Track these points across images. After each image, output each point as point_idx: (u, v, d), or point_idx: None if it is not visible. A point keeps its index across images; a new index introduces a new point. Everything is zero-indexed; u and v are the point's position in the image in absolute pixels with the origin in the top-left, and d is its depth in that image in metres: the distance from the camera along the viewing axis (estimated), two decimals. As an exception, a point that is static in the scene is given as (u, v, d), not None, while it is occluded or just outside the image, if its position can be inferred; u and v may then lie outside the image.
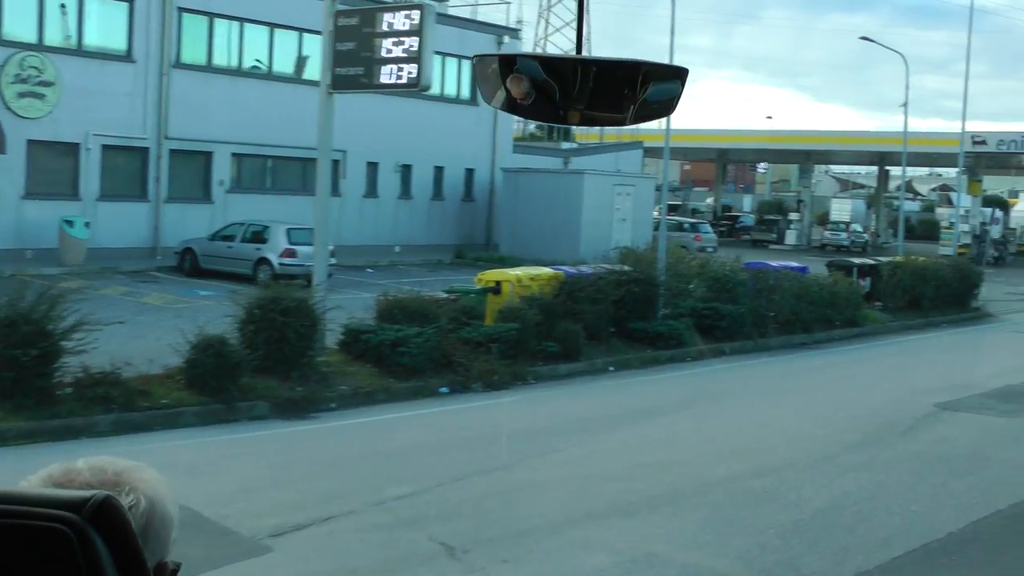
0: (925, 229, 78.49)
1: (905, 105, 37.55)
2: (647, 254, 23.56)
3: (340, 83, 18.31)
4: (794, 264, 26.02)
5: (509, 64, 2.33)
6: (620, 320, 20.50)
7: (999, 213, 77.70)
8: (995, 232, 64.31)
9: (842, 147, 59.20)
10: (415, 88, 18.00)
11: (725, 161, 74.06)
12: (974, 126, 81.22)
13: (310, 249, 29.02)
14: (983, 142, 49.65)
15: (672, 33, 22.55)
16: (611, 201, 36.47)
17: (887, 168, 67.11)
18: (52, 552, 1.35)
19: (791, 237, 58.15)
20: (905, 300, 27.35)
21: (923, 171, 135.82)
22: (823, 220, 71.48)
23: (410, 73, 17.58)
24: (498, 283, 20.24)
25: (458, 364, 17.35)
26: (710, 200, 74.79)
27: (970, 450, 13.45)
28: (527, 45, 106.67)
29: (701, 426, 14.72)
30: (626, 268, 21.41)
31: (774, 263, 25.66)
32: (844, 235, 58.56)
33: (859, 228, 61.25)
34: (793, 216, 59.76)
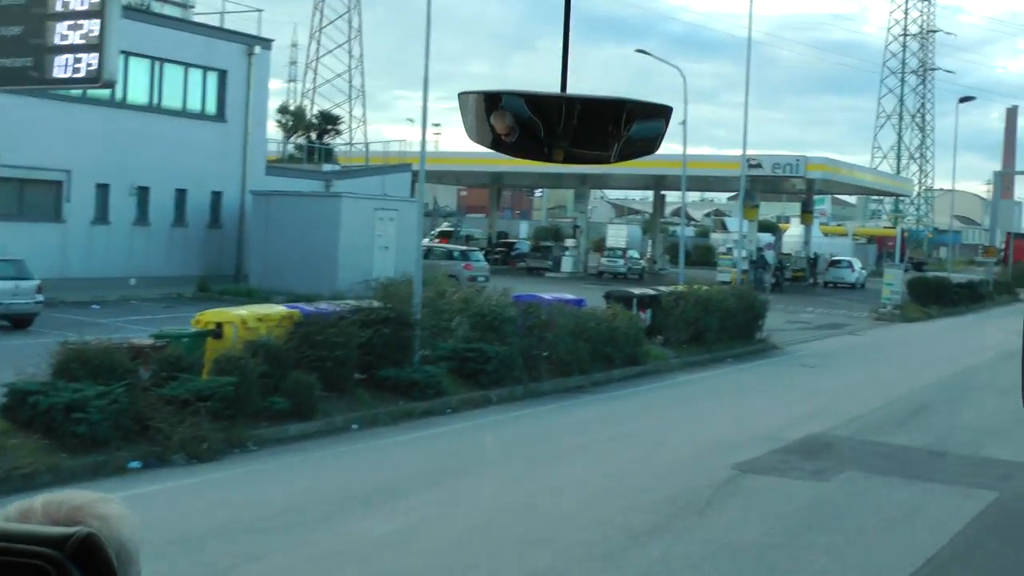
0: (700, 255, 78.53)
1: (684, 123, 35.86)
2: (403, 287, 20.38)
3: (3, 78, 14.42)
4: (569, 296, 23.42)
5: (493, 100, 2.35)
6: (369, 367, 17.31)
7: (772, 238, 78.73)
8: (771, 257, 64.38)
9: (618, 171, 57.75)
10: (96, 84, 14.20)
11: (500, 186, 72.03)
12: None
13: (11, 284, 24.79)
14: (758, 165, 48.94)
15: (427, 60, 19.42)
16: (372, 227, 33.15)
17: (663, 193, 66.36)
18: None
19: (567, 264, 56.28)
20: (689, 333, 25.17)
21: (695, 197, 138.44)
22: (600, 247, 70.36)
23: (89, 65, 13.83)
24: (219, 325, 16.70)
25: (156, 430, 13.76)
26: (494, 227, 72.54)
27: (781, 537, 10.82)
28: (299, 68, 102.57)
29: (450, 511, 11.57)
30: (375, 305, 18.22)
31: (547, 295, 22.99)
32: (621, 262, 57.11)
33: (636, 254, 60.05)
34: (569, 243, 57.92)
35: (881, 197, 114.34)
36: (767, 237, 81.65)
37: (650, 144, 2.54)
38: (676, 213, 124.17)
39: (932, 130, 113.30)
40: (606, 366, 21.42)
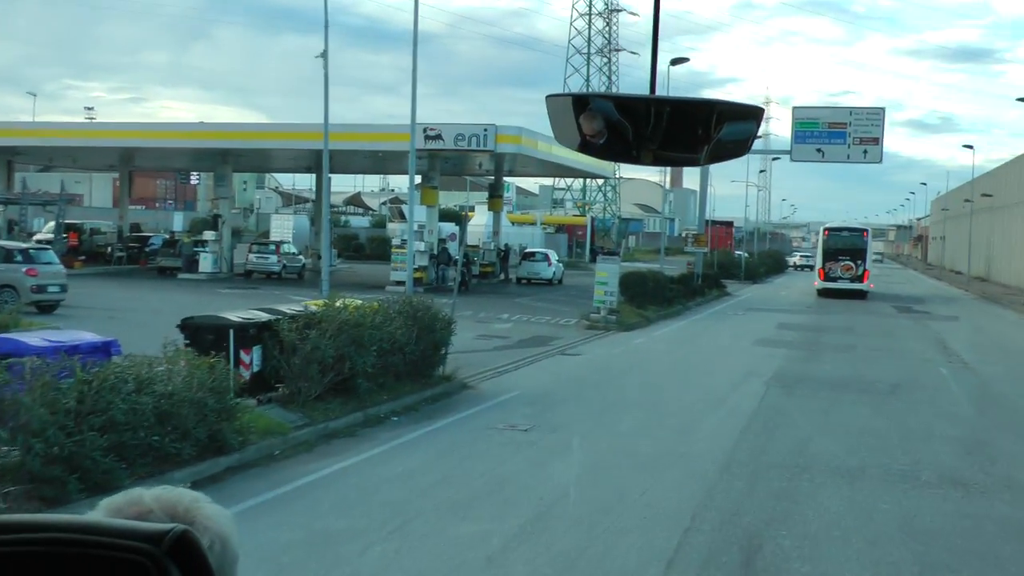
0: (377, 248, 68.79)
1: (322, 55, 25.93)
2: None
3: None
4: (87, 338, 12.91)
5: (582, 103, 2.38)
6: None
7: (456, 228, 70.00)
8: (455, 250, 55.36)
9: (271, 144, 46.90)
10: None
11: (133, 169, 59.56)
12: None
13: None
14: (438, 136, 39.59)
15: None
16: None
17: (330, 176, 56.04)
18: None
19: (206, 263, 45.00)
20: (326, 382, 15.16)
21: (375, 183, 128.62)
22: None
23: None
24: None
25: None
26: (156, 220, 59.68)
27: None
28: None
29: None
30: None
31: (38, 340, 12.38)
32: (274, 258, 46.48)
33: (293, 249, 49.53)
34: (209, 236, 46.60)
35: (566, 186, 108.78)
36: (450, 227, 73.23)
37: (741, 146, 2.54)
38: (352, 201, 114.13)
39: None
40: (161, 463, 11.09)
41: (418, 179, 40.80)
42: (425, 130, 40.02)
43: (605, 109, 2.35)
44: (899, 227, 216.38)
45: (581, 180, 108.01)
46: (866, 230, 64.06)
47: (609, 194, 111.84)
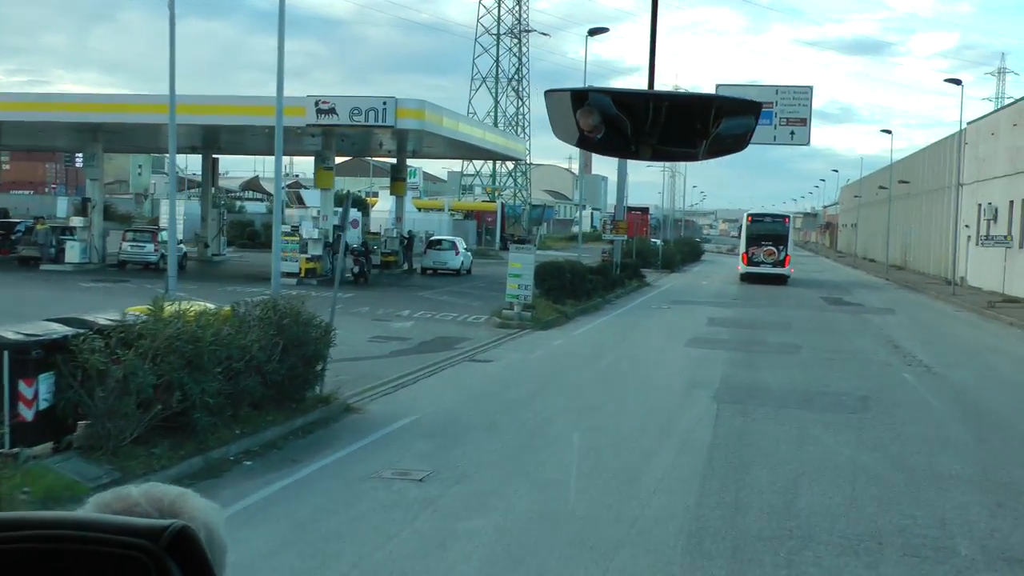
0: (271, 236, 64.28)
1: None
2: None
3: None
4: None
5: (580, 98, 2.34)
6: None
7: (358, 214, 65.71)
8: (355, 239, 51.23)
9: (150, 118, 42.10)
10: None
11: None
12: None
13: None
14: (332, 111, 35.43)
15: None
16: None
17: (216, 157, 51.56)
18: None
19: (73, 253, 40.23)
20: (147, 420, 11.16)
21: (273, 164, 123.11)
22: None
23: None
24: None
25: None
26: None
27: None
28: None
29: None
30: None
31: None
32: (151, 247, 41.83)
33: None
34: (77, 222, 41.77)
35: (475, 170, 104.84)
36: (353, 213, 68.87)
37: (739, 140, 2.52)
38: (250, 185, 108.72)
39: (528, 97, 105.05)
40: None
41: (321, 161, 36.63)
42: (317, 103, 35.85)
43: (603, 104, 2.32)
44: (805, 215, 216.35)
45: (491, 165, 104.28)
46: (787, 216, 64.39)
47: (519, 179, 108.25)
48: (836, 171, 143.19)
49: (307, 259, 38.89)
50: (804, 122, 48.59)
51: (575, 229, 54.75)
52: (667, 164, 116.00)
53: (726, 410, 16.59)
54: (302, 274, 38.13)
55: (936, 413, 17.52)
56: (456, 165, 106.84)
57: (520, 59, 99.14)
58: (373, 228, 55.48)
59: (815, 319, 35.14)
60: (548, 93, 2.45)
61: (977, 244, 53.59)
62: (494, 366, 21.35)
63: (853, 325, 33.61)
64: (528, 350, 24.01)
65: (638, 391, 18.64)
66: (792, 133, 48.66)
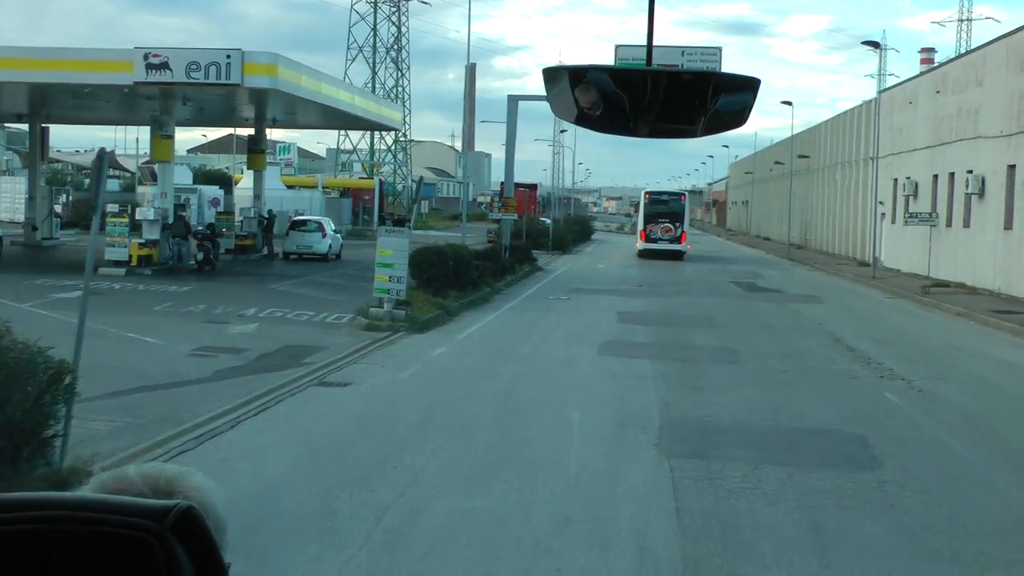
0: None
1: None
2: None
3: None
4: None
5: (579, 75, 2.35)
6: None
7: (218, 191, 59.13)
8: (209, 219, 45.02)
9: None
10: None
11: None
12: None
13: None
14: (164, 65, 29.20)
15: None
16: None
17: (45, 125, 44.61)
18: (134, 561, 1.34)
19: None
20: None
21: (128, 136, 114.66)
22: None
23: None
24: None
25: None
26: None
27: None
28: None
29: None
30: None
31: None
32: (-52, 231, 35.06)
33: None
34: None
35: (352, 145, 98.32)
36: (213, 191, 62.14)
37: (737, 117, 2.49)
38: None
39: (408, 69, 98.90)
40: None
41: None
42: (147, 56, 29.58)
43: (601, 81, 2.29)
44: (690, 192, 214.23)
45: (369, 140, 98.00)
46: (684, 194, 64.03)
47: (400, 156, 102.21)
48: (727, 147, 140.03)
49: (140, 244, 32.60)
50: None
51: (464, 208, 48.87)
52: (552, 140, 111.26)
53: (683, 472, 11.27)
54: (133, 262, 31.86)
55: (968, 463, 12.51)
56: (334, 141, 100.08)
57: (399, 28, 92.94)
58: (236, 207, 49.13)
59: (738, 311, 30.27)
60: (546, 70, 2.36)
61: (893, 223, 49.61)
62: (350, 393, 15.73)
63: (784, 318, 28.80)
64: (399, 365, 18.42)
65: (549, 438, 13.17)
66: (699, 100, 43.83)
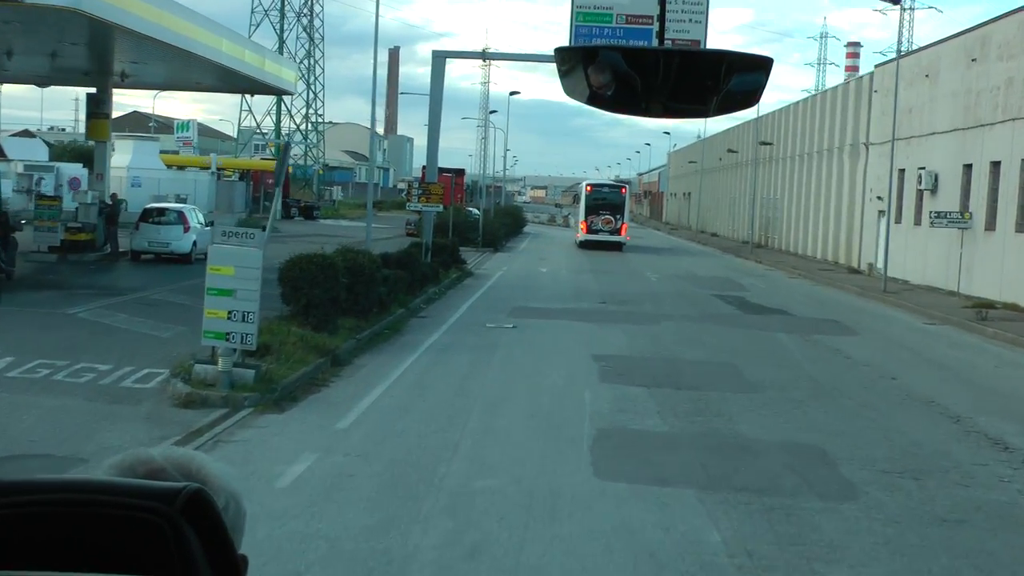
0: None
1: None
2: None
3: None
4: None
5: (591, 55, 2.35)
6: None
7: (82, 170, 48.52)
8: (70, 204, 34.70)
9: None
10: None
11: None
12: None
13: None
14: None
15: None
16: None
17: None
18: (144, 542, 1.35)
19: None
20: None
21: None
22: None
23: None
24: None
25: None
26: None
27: None
28: None
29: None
30: None
31: None
32: None
33: None
34: None
35: (259, 123, 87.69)
36: (74, 168, 51.50)
37: (750, 97, 2.47)
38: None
39: (323, 40, 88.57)
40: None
41: None
42: None
43: (614, 61, 2.26)
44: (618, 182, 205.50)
45: (275, 116, 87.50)
46: (624, 186, 63.93)
47: (312, 137, 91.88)
48: (668, 133, 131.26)
49: None
50: (698, 44, 34.40)
51: (369, 196, 38.31)
52: (479, 125, 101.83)
53: None
54: None
55: None
56: (249, 121, 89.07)
57: (312, 10, 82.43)
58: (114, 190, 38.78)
59: (757, 350, 21.07)
60: (558, 50, 2.36)
61: (898, 223, 40.86)
62: None
63: (832, 366, 19.68)
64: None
65: None
66: (675, 64, 34.39)
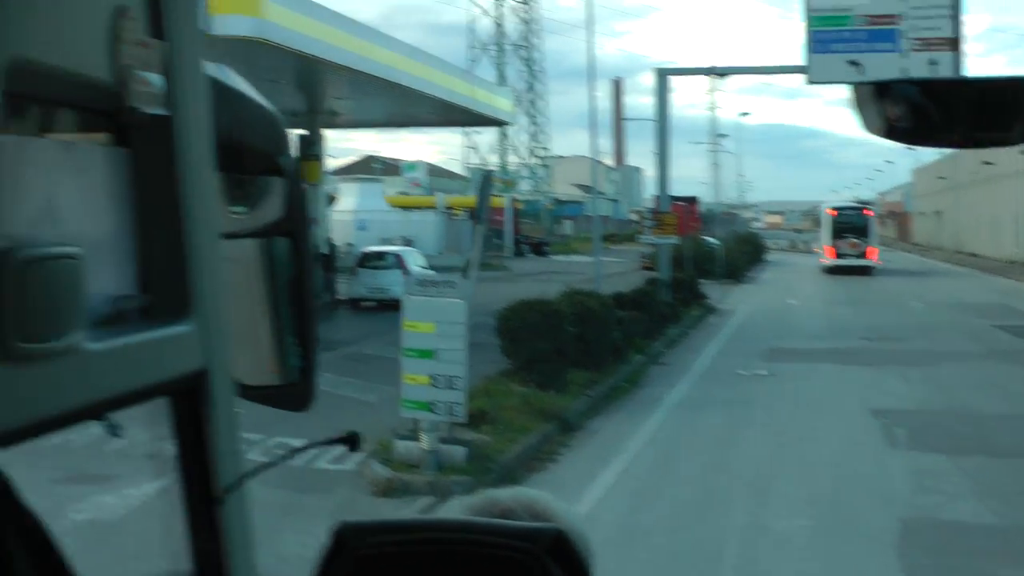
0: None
1: None
2: None
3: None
4: None
5: (884, 89, 2.25)
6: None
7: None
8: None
9: None
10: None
11: None
12: None
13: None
14: None
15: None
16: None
17: None
18: None
19: None
20: None
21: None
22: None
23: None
24: None
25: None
26: None
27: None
28: None
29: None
30: None
31: None
32: None
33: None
34: None
35: (484, 160, 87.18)
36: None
37: None
38: None
39: (543, 72, 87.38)
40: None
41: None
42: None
43: (909, 93, 2.15)
44: (861, 204, 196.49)
45: (500, 153, 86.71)
46: (867, 208, 63.37)
47: (539, 171, 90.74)
48: (912, 148, 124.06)
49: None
50: (953, 45, 30.41)
51: (596, 230, 35.75)
52: (710, 149, 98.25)
53: None
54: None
55: None
56: (475, 159, 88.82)
57: (527, 24, 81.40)
58: (336, 234, 38.04)
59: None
60: (854, 86, 2.24)
61: None
62: None
63: None
64: None
65: None
66: (933, 63, 30.46)
